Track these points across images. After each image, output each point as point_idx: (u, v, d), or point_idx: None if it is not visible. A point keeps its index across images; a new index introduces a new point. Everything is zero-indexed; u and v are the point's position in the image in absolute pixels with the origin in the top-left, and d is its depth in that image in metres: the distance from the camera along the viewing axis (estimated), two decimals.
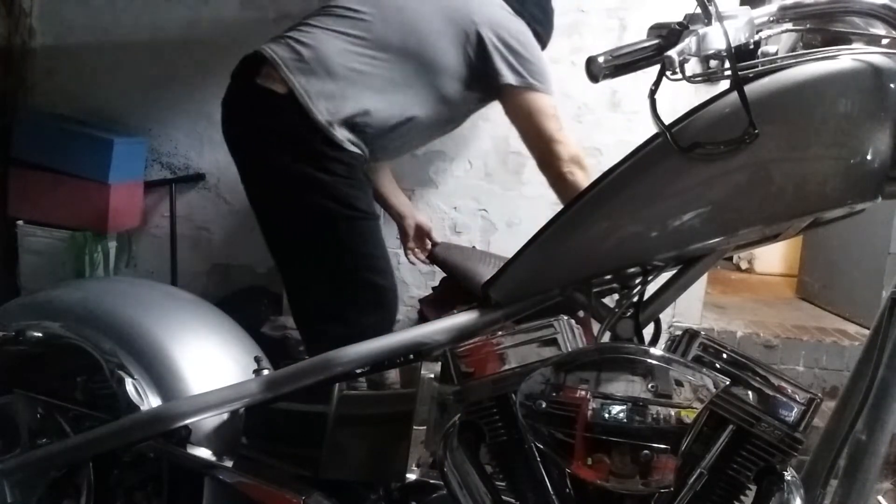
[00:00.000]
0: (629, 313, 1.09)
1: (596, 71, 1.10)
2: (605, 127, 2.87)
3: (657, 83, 1.02)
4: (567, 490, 1.07)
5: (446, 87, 1.84)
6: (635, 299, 1.09)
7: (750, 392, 1.02)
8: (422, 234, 2.26)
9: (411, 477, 1.25)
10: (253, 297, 2.85)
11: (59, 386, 1.33)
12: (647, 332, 1.11)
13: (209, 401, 1.21)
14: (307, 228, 1.79)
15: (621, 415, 0.99)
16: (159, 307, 1.33)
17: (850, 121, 1.00)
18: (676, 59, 0.99)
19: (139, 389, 1.23)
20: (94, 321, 1.29)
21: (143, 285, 1.42)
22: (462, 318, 1.17)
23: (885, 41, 1.02)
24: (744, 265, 4.62)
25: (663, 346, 1.09)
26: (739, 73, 0.99)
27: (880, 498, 1.21)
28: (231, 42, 2.86)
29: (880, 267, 3.03)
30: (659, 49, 1.09)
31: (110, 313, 1.30)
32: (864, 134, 1.00)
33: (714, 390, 0.99)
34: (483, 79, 1.86)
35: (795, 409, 1.01)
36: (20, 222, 2.78)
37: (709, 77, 1.05)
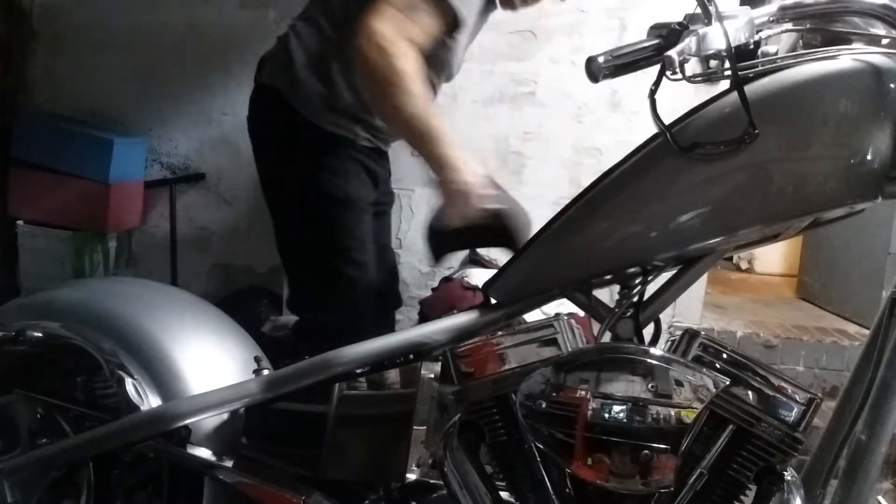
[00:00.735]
0: (629, 313, 1.09)
1: (596, 71, 1.10)
2: (605, 127, 2.87)
3: (657, 83, 1.02)
4: (567, 490, 1.07)
5: None
6: (635, 299, 1.09)
7: (750, 392, 1.02)
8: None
9: (411, 477, 1.25)
10: (253, 297, 2.86)
11: (59, 386, 1.33)
12: (647, 332, 1.11)
13: (209, 401, 1.21)
14: (283, 215, 1.81)
15: (621, 415, 0.99)
16: (159, 307, 1.33)
17: (850, 121, 1.00)
18: (676, 59, 0.99)
19: (139, 389, 1.23)
20: (94, 321, 1.29)
21: (143, 285, 1.42)
22: (462, 318, 1.17)
23: (885, 41, 1.02)
24: (744, 265, 4.62)
25: (663, 346, 1.09)
26: (739, 73, 0.99)
27: (880, 498, 1.21)
28: (231, 42, 2.86)
29: (880, 267, 3.03)
30: (659, 49, 1.09)
31: (110, 313, 1.30)
32: (864, 134, 1.00)
33: (714, 390, 0.99)
34: None
35: (795, 409, 1.01)
36: (20, 222, 2.79)
37: (709, 77, 1.05)
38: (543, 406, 1.02)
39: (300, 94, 1.73)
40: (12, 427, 1.30)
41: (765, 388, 1.02)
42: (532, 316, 1.21)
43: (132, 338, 1.27)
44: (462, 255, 2.56)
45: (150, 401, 1.23)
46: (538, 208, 2.88)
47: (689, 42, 1.00)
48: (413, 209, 2.83)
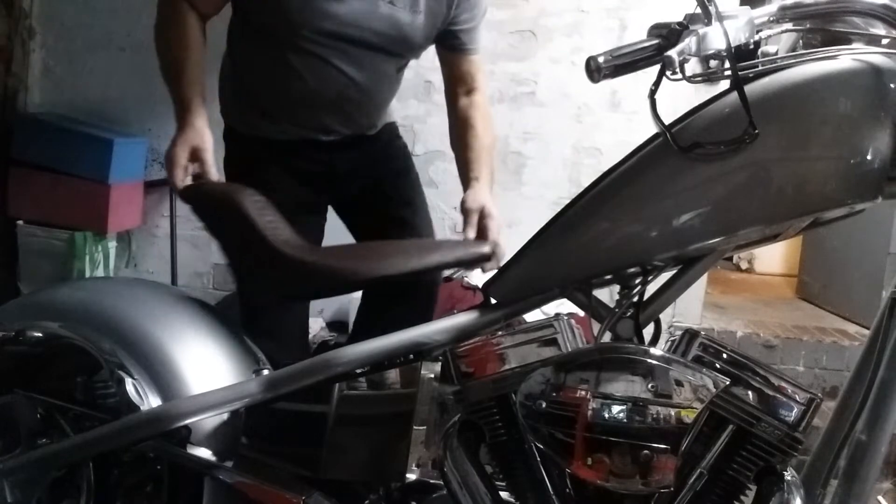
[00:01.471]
0: (629, 313, 1.09)
1: (596, 71, 1.10)
2: (605, 127, 2.88)
3: (657, 83, 1.02)
4: (567, 490, 1.07)
5: None
6: (635, 299, 1.09)
7: (750, 392, 1.02)
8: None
9: (411, 477, 1.24)
10: None
11: (59, 386, 1.32)
12: (647, 332, 1.11)
13: (209, 401, 1.21)
14: None
15: (621, 415, 0.99)
16: (159, 307, 1.33)
17: (850, 121, 1.00)
18: (676, 59, 0.99)
19: (139, 389, 1.23)
20: (94, 321, 1.29)
21: (143, 285, 1.42)
22: (462, 318, 1.17)
23: (885, 41, 1.02)
24: (744, 265, 4.63)
25: (663, 346, 1.09)
26: (739, 73, 0.99)
27: (880, 498, 1.21)
28: None
29: (880, 267, 3.04)
30: (659, 49, 1.09)
31: (110, 313, 1.30)
32: (864, 134, 1.00)
33: (714, 390, 0.99)
34: None
35: (795, 409, 1.01)
36: (20, 222, 2.78)
37: (709, 77, 1.05)
38: (543, 406, 1.02)
39: (224, 104, 1.81)
40: (12, 427, 1.29)
41: (765, 388, 1.02)
42: (532, 316, 1.21)
43: (132, 338, 1.27)
44: None
45: (150, 401, 1.23)
46: (538, 208, 2.90)
47: (689, 42, 1.00)
48: None
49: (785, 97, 1.02)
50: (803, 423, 1.01)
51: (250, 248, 1.28)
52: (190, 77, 1.56)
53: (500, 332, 1.13)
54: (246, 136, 1.77)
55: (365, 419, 1.30)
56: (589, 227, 1.09)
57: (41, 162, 2.75)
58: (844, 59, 1.01)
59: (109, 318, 1.29)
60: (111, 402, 1.27)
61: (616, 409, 0.99)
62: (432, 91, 1.84)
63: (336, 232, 1.83)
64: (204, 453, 1.23)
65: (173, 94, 1.57)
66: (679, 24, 1.08)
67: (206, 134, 1.52)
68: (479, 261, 1.42)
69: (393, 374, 1.76)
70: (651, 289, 1.12)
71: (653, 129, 1.05)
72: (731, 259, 4.58)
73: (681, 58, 0.99)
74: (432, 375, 1.24)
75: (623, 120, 2.86)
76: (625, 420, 0.99)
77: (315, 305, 2.80)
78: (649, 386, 0.99)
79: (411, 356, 1.20)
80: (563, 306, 1.27)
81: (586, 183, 1.11)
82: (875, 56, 1.01)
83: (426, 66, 1.96)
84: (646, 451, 0.98)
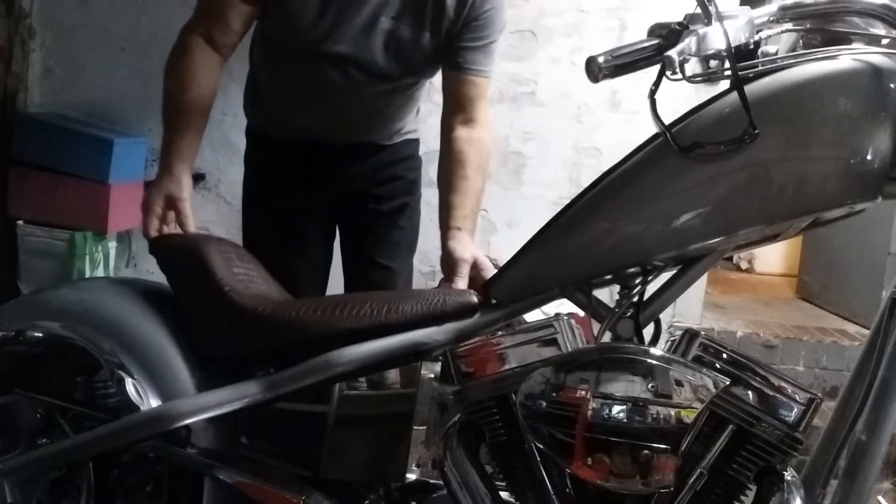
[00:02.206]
0: (629, 313, 1.09)
1: (596, 71, 1.10)
2: (605, 127, 2.88)
3: (657, 83, 1.02)
4: (567, 490, 1.07)
5: None
6: (635, 299, 1.09)
7: (750, 392, 1.02)
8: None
9: (411, 477, 1.24)
10: None
11: (59, 386, 1.32)
12: (648, 332, 1.11)
13: (209, 401, 1.20)
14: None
15: (621, 415, 0.99)
16: (159, 307, 1.33)
17: (850, 121, 1.01)
18: (676, 59, 0.99)
19: (139, 389, 1.23)
20: (94, 321, 1.29)
21: (144, 285, 1.42)
22: (462, 318, 1.17)
23: (885, 41, 1.02)
24: (744, 265, 4.63)
25: (663, 346, 1.09)
26: (739, 73, 0.99)
27: (880, 498, 1.21)
28: None
29: (880, 267, 3.04)
30: (659, 49, 1.09)
31: (110, 313, 1.30)
32: (864, 134, 1.00)
33: (714, 390, 0.99)
34: None
35: (795, 409, 1.01)
36: (20, 222, 2.78)
37: (709, 77, 1.05)
38: (543, 406, 1.02)
39: (244, 102, 1.85)
40: (12, 427, 1.29)
41: (765, 388, 1.02)
42: (532, 316, 1.21)
43: (132, 338, 1.27)
44: None
45: (150, 401, 1.23)
46: (538, 208, 2.90)
47: (689, 42, 1.00)
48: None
49: (785, 97, 1.02)
50: (803, 423, 1.01)
51: (207, 300, 1.24)
52: (182, 120, 1.51)
53: (500, 332, 1.13)
54: (256, 134, 1.84)
55: (365, 419, 1.30)
56: (589, 227, 1.09)
57: (41, 162, 2.74)
58: (844, 59, 1.01)
59: (109, 318, 1.29)
60: (111, 402, 1.27)
61: (616, 409, 0.99)
62: (432, 91, 1.84)
63: None
64: (204, 453, 1.23)
65: (164, 132, 1.53)
66: (679, 24, 1.08)
67: (185, 182, 1.47)
68: (468, 312, 1.18)
69: (393, 374, 1.75)
70: (651, 289, 1.12)
71: (653, 129, 1.05)
72: (731, 259, 4.58)
73: (681, 58, 0.99)
74: (432, 375, 1.23)
75: (623, 120, 2.86)
76: (625, 420, 0.99)
77: None
78: (649, 386, 0.99)
79: (411, 356, 1.20)
80: (563, 306, 1.27)
81: (586, 183, 1.11)
82: (875, 56, 1.01)
83: None
84: (646, 451, 0.98)
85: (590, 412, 1.00)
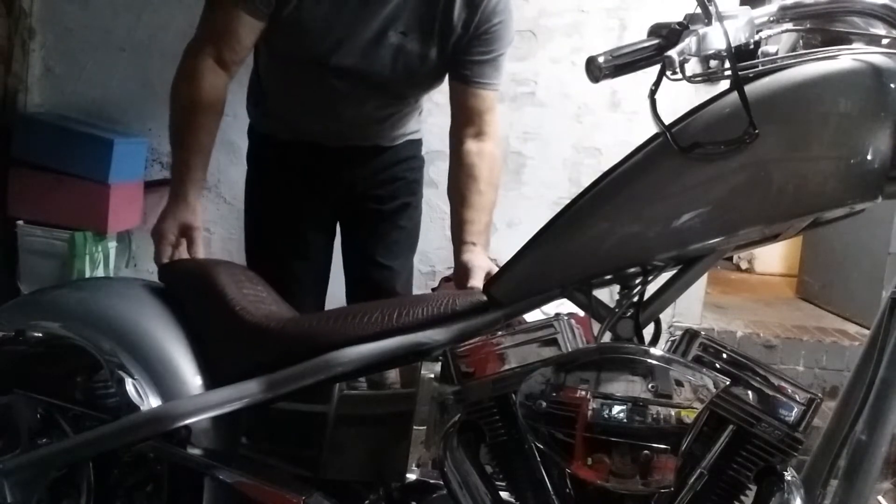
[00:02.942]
0: (629, 313, 1.09)
1: (596, 71, 1.10)
2: (605, 127, 2.88)
3: (657, 83, 1.02)
4: (567, 490, 1.07)
5: None
6: (635, 299, 1.09)
7: (750, 392, 1.02)
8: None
9: (411, 477, 1.25)
10: None
11: (59, 386, 1.32)
12: (648, 332, 1.11)
13: (209, 401, 1.21)
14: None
15: (621, 415, 0.99)
16: (160, 307, 1.33)
17: (850, 121, 1.01)
18: (676, 59, 0.99)
19: (139, 389, 1.23)
20: (94, 321, 1.29)
21: (144, 285, 1.42)
22: (462, 319, 1.17)
23: (885, 41, 1.02)
24: (744, 265, 4.63)
25: (663, 346, 1.09)
26: (739, 73, 0.99)
27: (880, 498, 1.21)
28: None
29: (880, 267, 3.04)
30: (659, 49, 1.09)
31: (110, 313, 1.30)
32: (864, 134, 1.00)
33: (714, 390, 0.99)
34: None
35: (795, 409, 1.01)
36: (20, 222, 2.78)
37: (709, 77, 1.05)
38: (543, 406, 1.02)
39: (248, 105, 1.86)
40: (12, 427, 1.29)
41: (765, 388, 1.02)
42: (532, 316, 1.21)
43: (132, 338, 1.27)
44: None
45: (150, 401, 1.23)
46: (538, 208, 2.90)
47: (689, 42, 1.00)
48: None
49: (785, 97, 1.02)
50: (803, 423, 1.01)
51: (220, 321, 1.25)
52: (195, 147, 1.48)
53: (500, 332, 1.13)
54: (258, 134, 1.85)
55: (365, 419, 1.30)
56: (589, 227, 1.09)
57: (41, 162, 2.74)
58: (844, 59, 1.01)
59: (109, 318, 1.29)
60: (111, 402, 1.27)
61: (616, 409, 0.99)
62: (432, 91, 1.84)
63: None
64: (204, 453, 1.23)
65: (173, 156, 1.51)
66: (679, 24, 1.08)
67: (198, 209, 1.47)
68: (479, 312, 1.17)
69: (393, 374, 1.76)
70: (651, 289, 1.12)
71: (653, 129, 1.05)
72: (731, 259, 4.58)
73: (681, 58, 0.99)
74: (432, 375, 1.24)
75: (623, 120, 2.86)
76: (625, 420, 0.99)
77: None
78: (649, 386, 0.99)
79: (411, 356, 1.20)
80: (563, 306, 1.27)
81: (586, 183, 1.11)
82: (875, 56, 1.01)
83: None
84: (646, 451, 0.98)
85: (590, 412, 1.00)
